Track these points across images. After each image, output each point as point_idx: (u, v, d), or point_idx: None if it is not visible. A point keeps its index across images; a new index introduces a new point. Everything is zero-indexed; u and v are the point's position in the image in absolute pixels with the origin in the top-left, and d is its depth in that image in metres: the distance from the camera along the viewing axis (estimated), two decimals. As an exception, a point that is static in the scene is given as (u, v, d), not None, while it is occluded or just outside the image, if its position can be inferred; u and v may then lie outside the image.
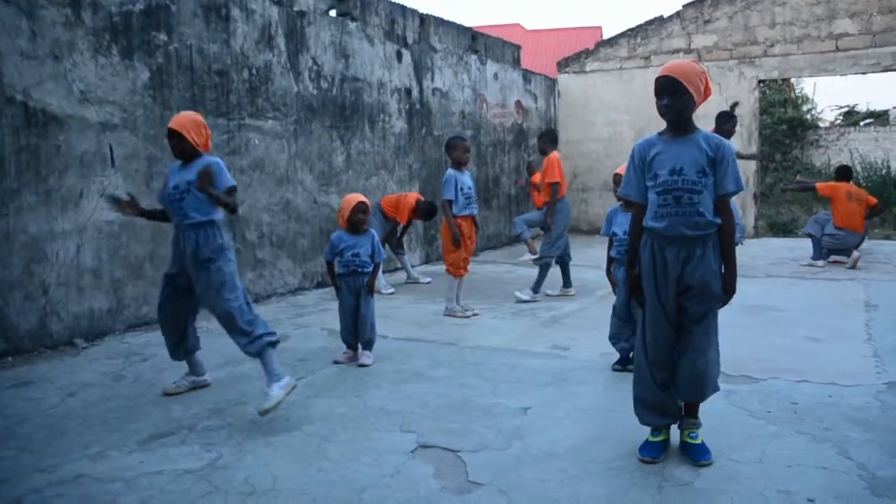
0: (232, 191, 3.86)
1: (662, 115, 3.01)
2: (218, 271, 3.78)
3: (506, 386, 4.16)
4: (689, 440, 3.10)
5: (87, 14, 5.28)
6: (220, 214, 3.92)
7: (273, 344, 3.75)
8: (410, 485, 2.86)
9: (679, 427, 3.16)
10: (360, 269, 4.71)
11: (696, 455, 3.04)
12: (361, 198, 4.76)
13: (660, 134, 3.08)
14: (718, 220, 2.97)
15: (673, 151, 2.97)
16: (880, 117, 27.06)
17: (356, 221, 4.69)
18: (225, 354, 4.64)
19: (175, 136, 3.83)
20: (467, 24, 10.71)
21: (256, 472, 2.99)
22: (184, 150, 3.86)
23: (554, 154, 7.03)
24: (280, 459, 3.13)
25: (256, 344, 3.71)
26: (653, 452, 3.06)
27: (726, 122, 7.97)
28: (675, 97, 2.94)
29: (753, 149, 11.62)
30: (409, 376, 4.38)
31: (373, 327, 4.75)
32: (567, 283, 7.11)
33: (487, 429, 3.46)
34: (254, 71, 6.83)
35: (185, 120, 3.86)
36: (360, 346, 4.78)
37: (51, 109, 5.06)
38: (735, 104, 8.93)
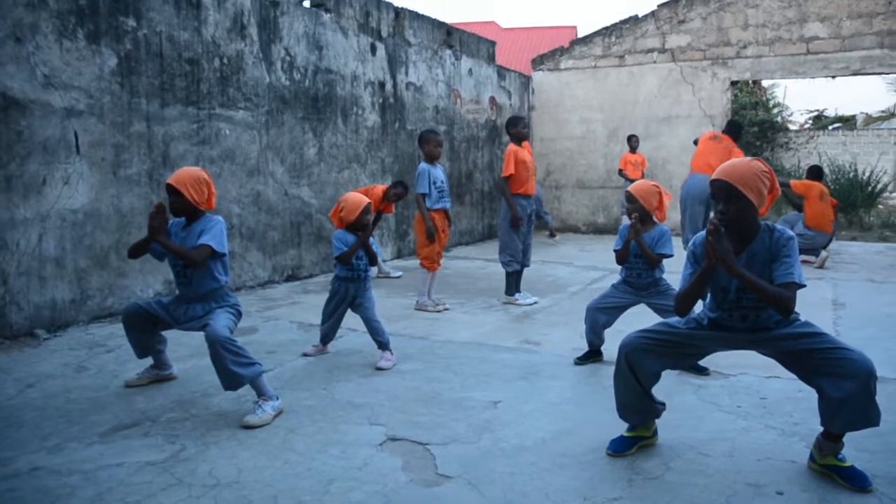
0: (206, 251, 3.56)
1: (719, 221, 2.69)
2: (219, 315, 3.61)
3: (476, 380, 4.13)
4: (840, 463, 2.77)
5: (52, -4, 5.14)
6: (226, 278, 3.74)
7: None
8: (378, 477, 2.81)
9: (821, 451, 2.82)
10: (361, 275, 4.53)
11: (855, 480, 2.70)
12: (367, 199, 4.53)
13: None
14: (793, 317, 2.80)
15: (740, 264, 2.71)
16: (848, 122, 27.62)
17: (364, 223, 4.47)
18: (191, 347, 4.55)
19: (173, 193, 3.60)
20: (443, 20, 10.66)
21: (221, 465, 2.92)
22: (182, 207, 3.64)
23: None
24: (245, 451, 3.06)
25: (252, 369, 3.50)
26: (620, 447, 3.04)
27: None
28: (729, 203, 2.68)
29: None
30: (379, 369, 4.33)
31: (382, 329, 4.51)
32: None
33: (457, 422, 3.42)
34: (225, 60, 6.72)
35: (185, 176, 3.62)
36: (378, 348, 4.54)
37: (12, 93, 4.91)
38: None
